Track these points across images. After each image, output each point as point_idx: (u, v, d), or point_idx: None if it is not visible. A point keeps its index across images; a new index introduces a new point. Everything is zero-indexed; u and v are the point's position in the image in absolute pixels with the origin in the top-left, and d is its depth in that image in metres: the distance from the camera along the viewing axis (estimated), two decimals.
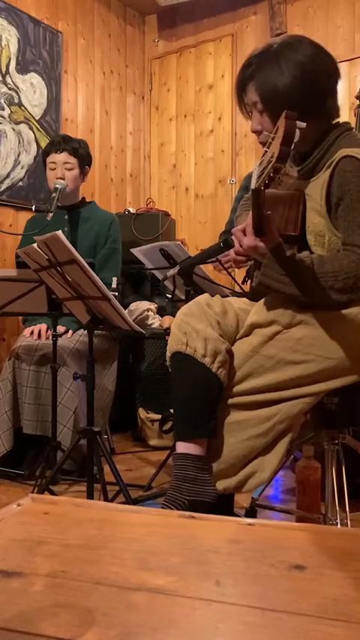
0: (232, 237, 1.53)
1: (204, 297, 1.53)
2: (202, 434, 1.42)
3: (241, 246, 1.46)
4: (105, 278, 2.00)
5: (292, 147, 1.22)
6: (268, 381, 1.43)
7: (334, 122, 1.56)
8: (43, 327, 2.70)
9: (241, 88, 1.57)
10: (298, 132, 1.23)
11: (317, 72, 1.47)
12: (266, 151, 1.23)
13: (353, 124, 3.30)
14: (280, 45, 1.51)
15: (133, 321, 2.22)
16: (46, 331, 2.68)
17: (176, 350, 1.46)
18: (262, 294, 1.52)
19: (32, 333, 2.70)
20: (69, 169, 2.78)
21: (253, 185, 1.31)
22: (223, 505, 1.55)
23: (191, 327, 1.44)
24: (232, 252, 1.74)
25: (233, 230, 1.50)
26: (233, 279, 1.96)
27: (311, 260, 1.39)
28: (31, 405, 2.53)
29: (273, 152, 1.15)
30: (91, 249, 2.83)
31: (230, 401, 1.45)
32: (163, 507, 1.38)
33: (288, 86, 1.46)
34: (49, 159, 2.81)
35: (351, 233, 1.38)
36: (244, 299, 1.65)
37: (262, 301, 1.52)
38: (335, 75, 1.53)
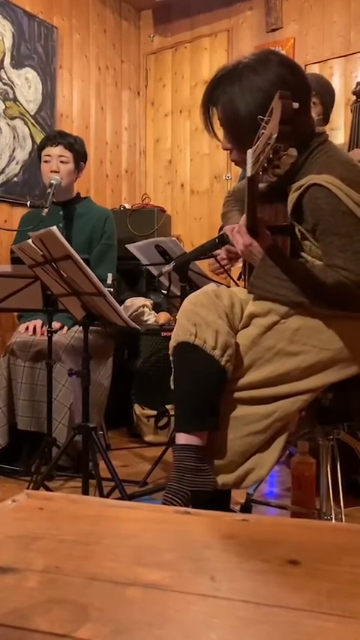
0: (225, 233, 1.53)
1: (212, 288, 1.52)
2: (206, 426, 1.42)
3: (236, 245, 1.47)
4: (100, 274, 2.00)
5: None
6: (267, 373, 1.43)
7: (310, 131, 1.52)
8: (38, 323, 2.70)
9: (209, 108, 1.56)
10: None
11: None
12: (259, 137, 1.21)
13: (349, 120, 3.31)
14: (244, 67, 1.48)
15: (129, 317, 2.21)
16: (41, 327, 2.68)
17: (184, 340, 1.44)
18: None
19: (27, 329, 2.70)
20: (64, 162, 2.77)
21: (248, 173, 1.30)
22: (220, 501, 1.55)
23: (201, 318, 1.43)
24: (223, 250, 1.74)
25: (225, 229, 1.50)
26: (229, 275, 1.96)
27: (304, 264, 1.41)
28: (26, 402, 2.53)
29: (270, 134, 1.12)
30: (87, 245, 2.82)
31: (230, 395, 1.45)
32: (165, 499, 1.37)
33: (249, 112, 1.43)
34: (44, 152, 2.79)
35: (332, 256, 1.38)
36: (246, 290, 1.64)
37: None
38: (304, 93, 1.48)
